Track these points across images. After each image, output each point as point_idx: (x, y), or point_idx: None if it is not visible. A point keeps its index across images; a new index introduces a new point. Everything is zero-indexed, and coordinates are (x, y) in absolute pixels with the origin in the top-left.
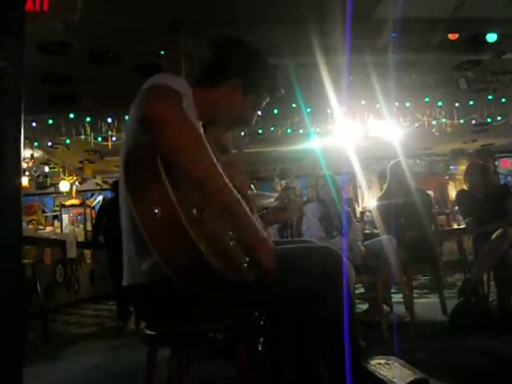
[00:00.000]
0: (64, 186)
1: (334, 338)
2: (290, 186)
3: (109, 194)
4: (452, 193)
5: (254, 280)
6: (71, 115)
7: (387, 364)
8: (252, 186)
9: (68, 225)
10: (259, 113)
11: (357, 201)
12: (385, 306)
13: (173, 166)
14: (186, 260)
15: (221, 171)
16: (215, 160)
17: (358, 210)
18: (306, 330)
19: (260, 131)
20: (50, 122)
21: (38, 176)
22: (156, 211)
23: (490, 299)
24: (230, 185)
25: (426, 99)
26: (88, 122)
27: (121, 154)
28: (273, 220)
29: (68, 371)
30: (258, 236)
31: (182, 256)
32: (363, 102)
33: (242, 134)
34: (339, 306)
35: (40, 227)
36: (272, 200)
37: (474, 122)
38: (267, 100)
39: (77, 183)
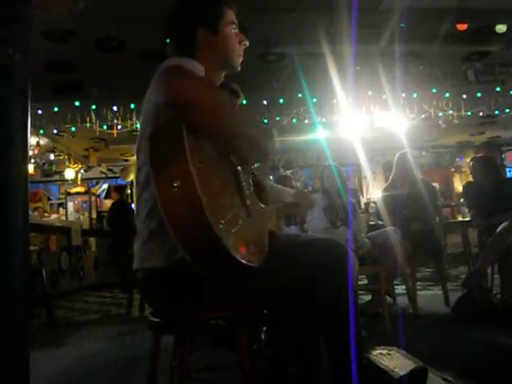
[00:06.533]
0: (69, 173)
1: (338, 331)
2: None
3: (113, 182)
4: (458, 185)
5: (261, 267)
6: (77, 103)
7: (389, 354)
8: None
9: (73, 212)
10: (265, 102)
11: (361, 192)
12: (388, 298)
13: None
14: (201, 241)
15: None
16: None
17: (363, 201)
18: (309, 320)
19: (265, 121)
20: (56, 109)
21: (44, 163)
22: (175, 185)
23: (494, 292)
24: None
25: (434, 90)
26: (93, 110)
27: (140, 137)
28: (285, 213)
29: (72, 357)
30: None
31: (198, 236)
32: (369, 93)
33: None
34: (342, 298)
35: (45, 214)
36: (285, 194)
37: (481, 113)
38: (234, 14)
39: (82, 171)
